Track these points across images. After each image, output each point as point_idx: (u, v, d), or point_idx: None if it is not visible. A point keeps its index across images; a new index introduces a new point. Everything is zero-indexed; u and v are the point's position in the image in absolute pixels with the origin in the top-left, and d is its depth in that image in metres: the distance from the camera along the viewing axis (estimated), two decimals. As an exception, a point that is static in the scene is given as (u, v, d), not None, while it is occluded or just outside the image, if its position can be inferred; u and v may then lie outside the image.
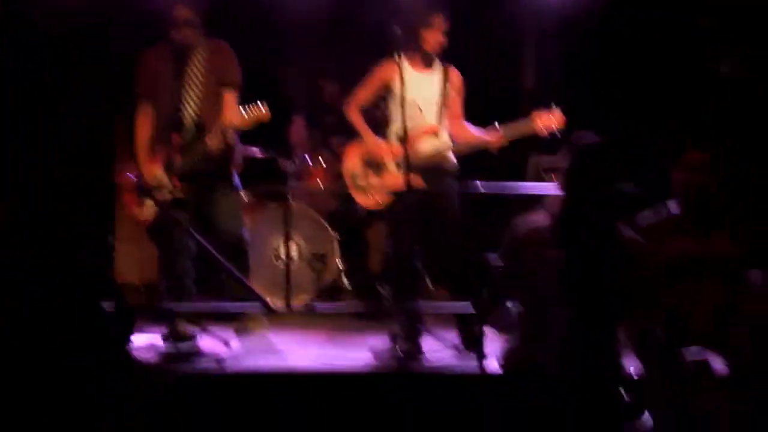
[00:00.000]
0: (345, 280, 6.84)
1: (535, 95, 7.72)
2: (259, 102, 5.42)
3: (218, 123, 5.56)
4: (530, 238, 3.88)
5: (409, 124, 5.32)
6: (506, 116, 5.65)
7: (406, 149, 5.21)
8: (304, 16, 7.74)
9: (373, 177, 5.73)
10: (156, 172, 5.69)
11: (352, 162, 5.78)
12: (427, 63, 5.67)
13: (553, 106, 5.48)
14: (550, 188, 5.28)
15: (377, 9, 7.29)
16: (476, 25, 6.97)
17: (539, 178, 6.22)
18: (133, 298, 6.68)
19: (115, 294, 5.30)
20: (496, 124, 5.50)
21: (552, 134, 5.47)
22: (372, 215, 6.82)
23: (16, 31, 6.78)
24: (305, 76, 8.00)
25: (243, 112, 5.44)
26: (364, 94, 5.73)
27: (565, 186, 3.91)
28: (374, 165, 5.71)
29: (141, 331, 5.45)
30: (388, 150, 5.61)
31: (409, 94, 5.41)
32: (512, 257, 3.98)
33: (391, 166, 5.57)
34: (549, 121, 5.44)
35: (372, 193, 5.72)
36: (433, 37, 5.57)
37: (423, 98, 5.56)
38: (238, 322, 5.69)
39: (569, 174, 3.88)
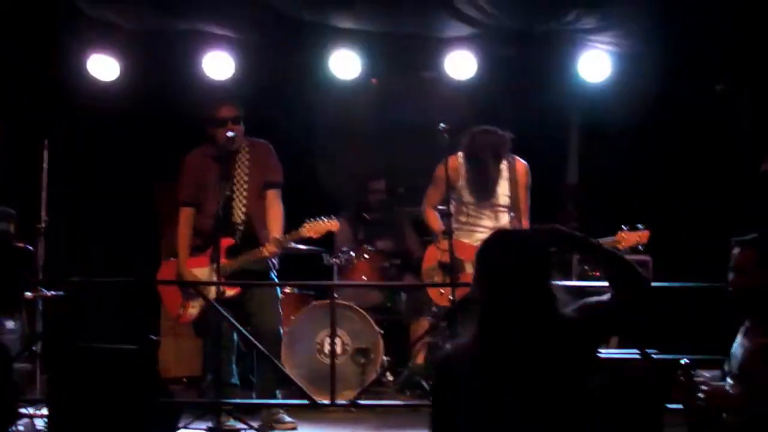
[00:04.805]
0: (389, 375, 6.79)
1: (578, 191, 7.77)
2: (332, 217, 5.73)
3: (276, 231, 5.70)
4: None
5: (472, 219, 5.39)
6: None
7: (451, 245, 5.26)
8: (349, 115, 7.88)
9: (449, 275, 5.75)
10: (196, 274, 5.74)
11: (430, 261, 5.95)
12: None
13: (640, 226, 5.63)
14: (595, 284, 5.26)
15: (423, 109, 7.39)
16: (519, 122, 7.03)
17: (584, 276, 6.23)
18: (177, 393, 6.67)
19: (159, 389, 5.32)
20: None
21: (636, 250, 5.61)
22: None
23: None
24: (350, 174, 8.07)
25: (315, 223, 5.66)
26: (434, 194, 5.85)
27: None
28: (451, 265, 5.71)
29: (186, 426, 5.43)
30: (463, 250, 5.70)
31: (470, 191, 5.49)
32: None
33: (469, 266, 5.64)
34: (636, 239, 5.59)
35: (446, 290, 5.75)
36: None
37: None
38: (265, 418, 5.67)
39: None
